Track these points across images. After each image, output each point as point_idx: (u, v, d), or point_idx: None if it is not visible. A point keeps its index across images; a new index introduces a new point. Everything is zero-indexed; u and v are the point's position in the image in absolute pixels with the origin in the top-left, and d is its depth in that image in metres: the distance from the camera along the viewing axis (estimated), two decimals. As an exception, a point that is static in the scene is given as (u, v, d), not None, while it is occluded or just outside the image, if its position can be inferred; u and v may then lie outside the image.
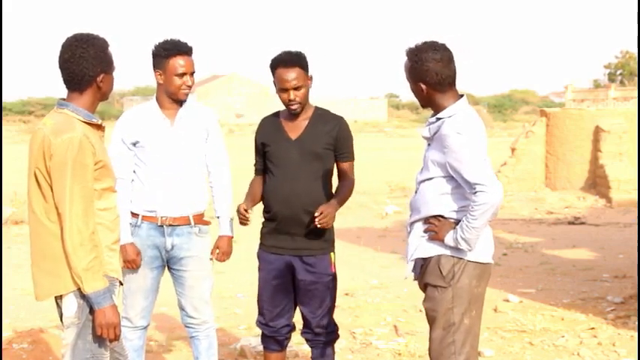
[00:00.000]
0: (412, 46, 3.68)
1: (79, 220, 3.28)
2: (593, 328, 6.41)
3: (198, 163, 4.49)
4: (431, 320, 3.70)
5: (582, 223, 13.29)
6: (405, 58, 3.70)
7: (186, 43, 4.39)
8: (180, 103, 4.44)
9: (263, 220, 4.44)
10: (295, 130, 4.36)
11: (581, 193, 16.47)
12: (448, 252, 3.62)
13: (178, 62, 4.34)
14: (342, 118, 4.45)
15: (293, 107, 4.29)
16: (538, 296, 7.70)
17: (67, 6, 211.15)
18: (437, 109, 3.69)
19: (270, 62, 4.32)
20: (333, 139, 4.34)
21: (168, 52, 4.34)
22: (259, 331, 4.60)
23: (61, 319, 3.45)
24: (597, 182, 16.43)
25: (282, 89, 4.27)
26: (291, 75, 4.24)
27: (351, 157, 4.43)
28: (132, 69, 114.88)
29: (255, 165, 4.50)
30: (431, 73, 3.62)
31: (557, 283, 8.35)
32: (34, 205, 3.38)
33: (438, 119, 3.67)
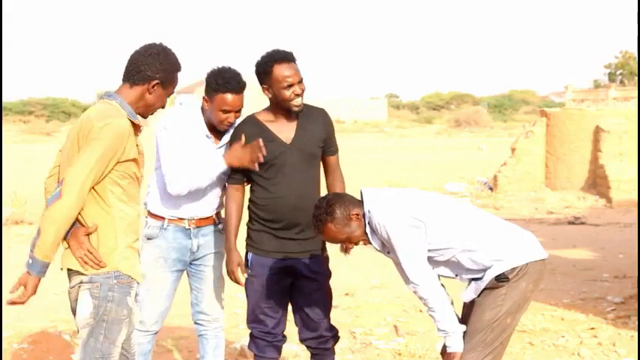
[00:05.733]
0: (315, 213, 3.78)
1: (77, 198, 3.25)
2: (593, 328, 6.41)
3: None
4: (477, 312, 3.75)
5: (582, 223, 13.28)
6: (320, 224, 3.76)
7: (238, 81, 4.21)
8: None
9: (257, 224, 4.25)
10: (286, 132, 4.16)
11: (581, 193, 16.46)
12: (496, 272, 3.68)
13: (227, 99, 4.18)
14: (324, 110, 4.29)
15: (298, 104, 4.10)
16: (538, 296, 7.68)
17: (67, 6, 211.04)
18: (361, 224, 3.77)
19: (264, 61, 4.09)
20: (325, 136, 4.23)
21: (218, 86, 4.19)
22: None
23: (74, 313, 3.48)
24: (597, 182, 16.42)
25: (288, 85, 4.05)
26: (295, 69, 4.07)
27: (337, 150, 4.33)
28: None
29: (232, 174, 4.20)
30: (349, 210, 3.74)
31: (557, 283, 8.34)
32: None
33: (369, 223, 3.75)
